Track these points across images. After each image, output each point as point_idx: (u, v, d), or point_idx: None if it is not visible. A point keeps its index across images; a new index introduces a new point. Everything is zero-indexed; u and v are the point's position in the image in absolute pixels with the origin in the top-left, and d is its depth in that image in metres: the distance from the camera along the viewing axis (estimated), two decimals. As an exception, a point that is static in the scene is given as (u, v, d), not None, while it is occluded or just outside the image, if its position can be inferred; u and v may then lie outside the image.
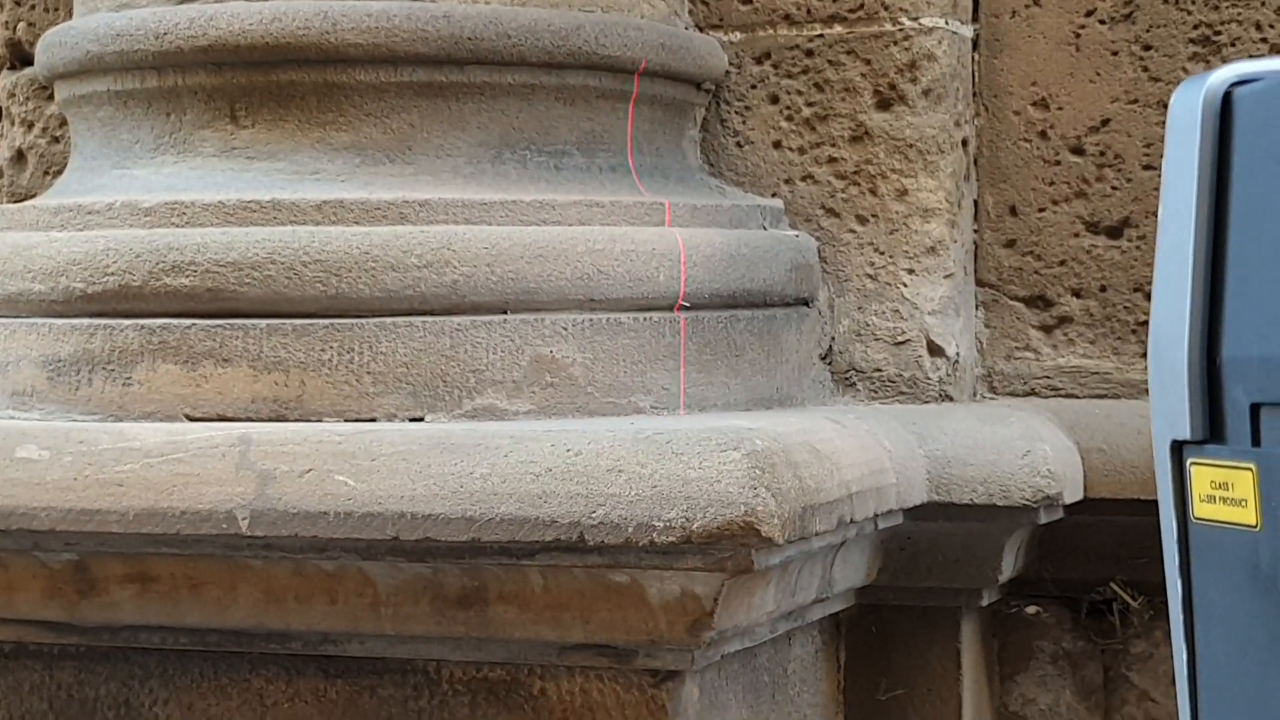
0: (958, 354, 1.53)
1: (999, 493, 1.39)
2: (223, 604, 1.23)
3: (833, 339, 1.53)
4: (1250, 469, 0.54)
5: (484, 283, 1.28)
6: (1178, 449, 0.51)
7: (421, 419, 1.27)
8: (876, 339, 1.53)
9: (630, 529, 1.13)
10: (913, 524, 1.41)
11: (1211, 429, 0.56)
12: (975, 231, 1.60)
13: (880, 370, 1.53)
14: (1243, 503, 0.54)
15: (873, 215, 1.53)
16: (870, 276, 1.53)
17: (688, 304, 1.36)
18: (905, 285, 1.52)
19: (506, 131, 1.38)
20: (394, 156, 1.35)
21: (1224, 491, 0.55)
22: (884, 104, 1.52)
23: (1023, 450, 1.41)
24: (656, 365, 1.34)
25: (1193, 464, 0.56)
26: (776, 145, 1.55)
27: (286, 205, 1.29)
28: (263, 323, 1.27)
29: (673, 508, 1.13)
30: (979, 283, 1.60)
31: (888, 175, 1.52)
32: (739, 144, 1.56)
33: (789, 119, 1.54)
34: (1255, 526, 0.54)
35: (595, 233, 1.33)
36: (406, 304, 1.27)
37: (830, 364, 1.54)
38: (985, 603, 1.47)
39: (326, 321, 1.27)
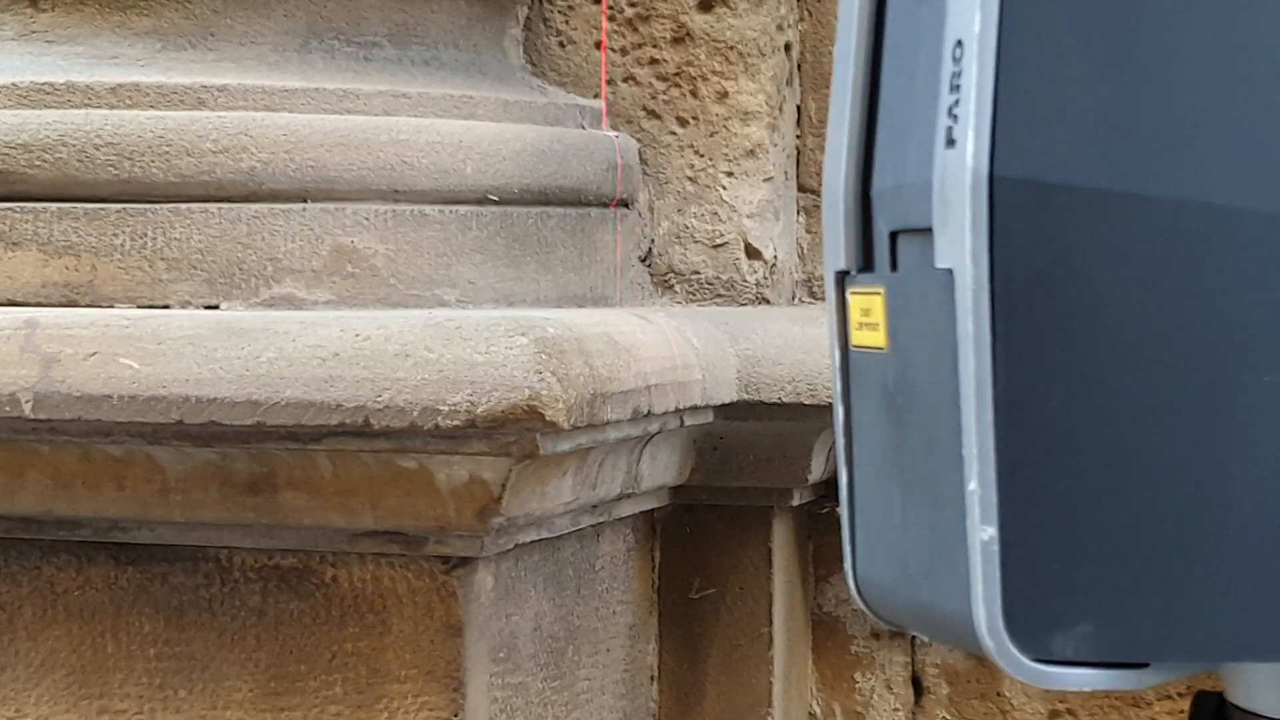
0: (775, 257, 1.53)
1: (806, 391, 1.40)
2: (10, 490, 1.21)
3: (652, 241, 1.53)
4: (880, 293, 0.54)
5: (282, 170, 1.27)
6: (840, 279, 0.52)
7: (217, 307, 1.26)
8: (695, 241, 1.53)
9: (415, 413, 1.12)
10: (724, 423, 1.41)
11: (865, 259, 0.57)
12: (798, 137, 1.60)
13: (698, 273, 1.52)
14: (877, 326, 0.55)
15: (693, 118, 1.53)
16: (690, 179, 1.53)
17: (496, 198, 1.35)
18: (724, 188, 1.52)
19: (314, 21, 1.36)
20: (196, 42, 1.33)
21: (867, 318, 0.56)
22: (705, 5, 1.52)
23: (832, 349, 1.42)
24: (462, 259, 1.33)
25: (851, 293, 0.56)
26: (599, 46, 1.54)
27: (81, 88, 1.27)
28: (53, 206, 1.25)
29: (458, 392, 1.12)
30: (801, 188, 1.60)
31: (708, 77, 1.52)
32: (561, 44, 1.55)
33: (611, 19, 1.54)
34: (884, 349, 0.55)
35: (400, 123, 1.32)
36: (202, 190, 1.26)
37: (650, 266, 1.53)
38: (796, 503, 1.48)
39: (119, 206, 1.26)
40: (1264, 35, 0.49)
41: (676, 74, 1.53)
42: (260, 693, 1.21)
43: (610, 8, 1.54)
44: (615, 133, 1.51)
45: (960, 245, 0.49)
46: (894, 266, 0.55)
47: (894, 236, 0.55)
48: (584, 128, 1.48)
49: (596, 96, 1.54)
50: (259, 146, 1.27)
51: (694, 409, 1.35)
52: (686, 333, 1.38)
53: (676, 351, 1.33)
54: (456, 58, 1.44)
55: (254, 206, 1.27)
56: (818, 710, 1.56)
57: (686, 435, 1.40)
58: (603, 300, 1.47)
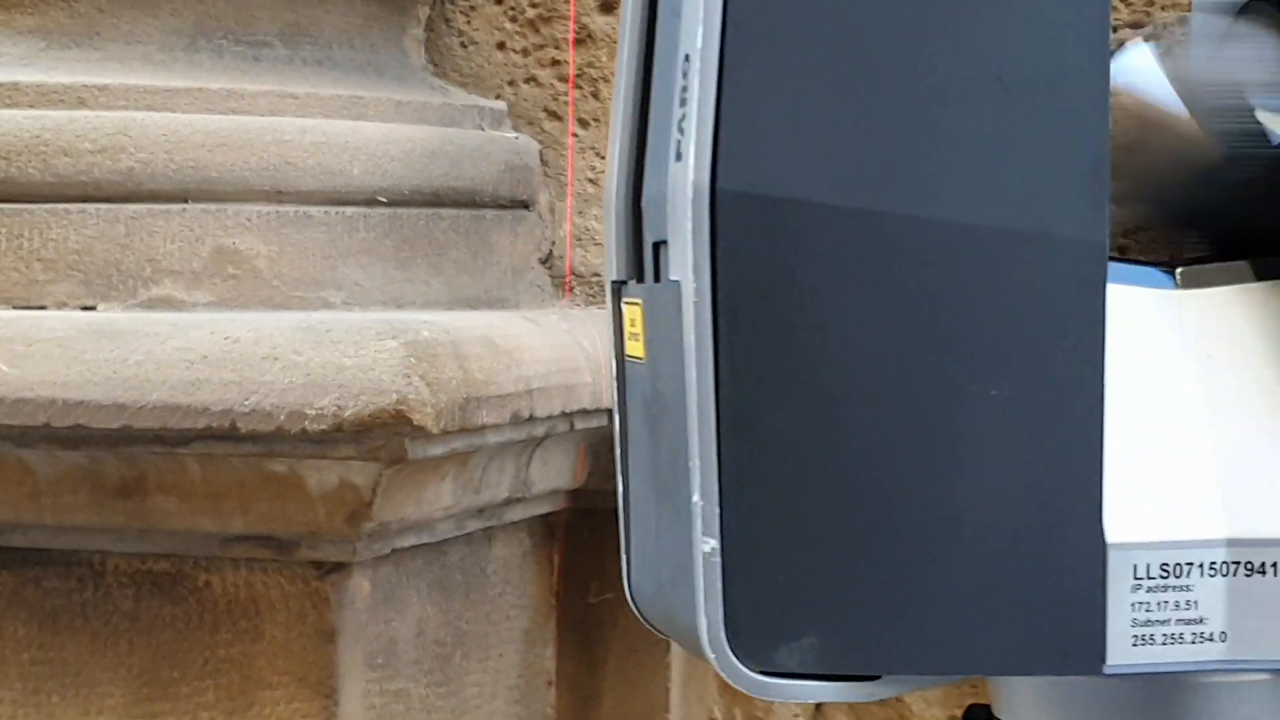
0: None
1: (699, 395, 1.38)
2: (-118, 492, 1.20)
3: (553, 243, 1.52)
4: (639, 304, 0.54)
5: (162, 170, 1.26)
6: (616, 289, 0.51)
7: (94, 308, 1.25)
8: (596, 243, 1.52)
9: (282, 417, 1.11)
10: (619, 427, 1.40)
11: (637, 270, 0.56)
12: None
13: (598, 275, 1.51)
14: (638, 337, 0.54)
15: (594, 119, 1.52)
16: (591, 180, 1.52)
17: (385, 199, 1.34)
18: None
19: (202, 20, 1.35)
20: (81, 41, 1.32)
21: (633, 328, 0.55)
22: (607, 6, 1.51)
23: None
24: (349, 260, 1.32)
25: (625, 303, 0.56)
26: (500, 46, 1.53)
27: (-42, 87, 1.26)
28: (-74, 205, 1.24)
29: (325, 395, 1.11)
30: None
31: (610, 79, 1.51)
32: (463, 44, 1.54)
33: (513, 19, 1.53)
34: (643, 360, 0.54)
35: (285, 123, 1.31)
36: (80, 190, 1.25)
37: (550, 268, 1.52)
38: (693, 507, 1.47)
39: (-6, 206, 1.25)
40: (982, 51, 0.48)
41: (578, 75, 1.52)
42: (133, 698, 1.20)
43: (512, 8, 1.53)
44: (515, 134, 1.50)
45: (684, 258, 0.49)
46: (656, 277, 0.55)
47: (656, 247, 0.55)
48: (483, 129, 1.47)
49: (498, 97, 1.53)
50: (138, 146, 1.25)
51: (584, 412, 1.34)
52: (578, 335, 1.37)
53: (565, 354, 1.32)
54: (351, 58, 1.43)
55: (132, 207, 1.26)
56: (719, 715, 1.55)
57: (579, 438, 1.39)
58: (499, 303, 1.46)
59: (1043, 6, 0.49)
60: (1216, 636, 0.50)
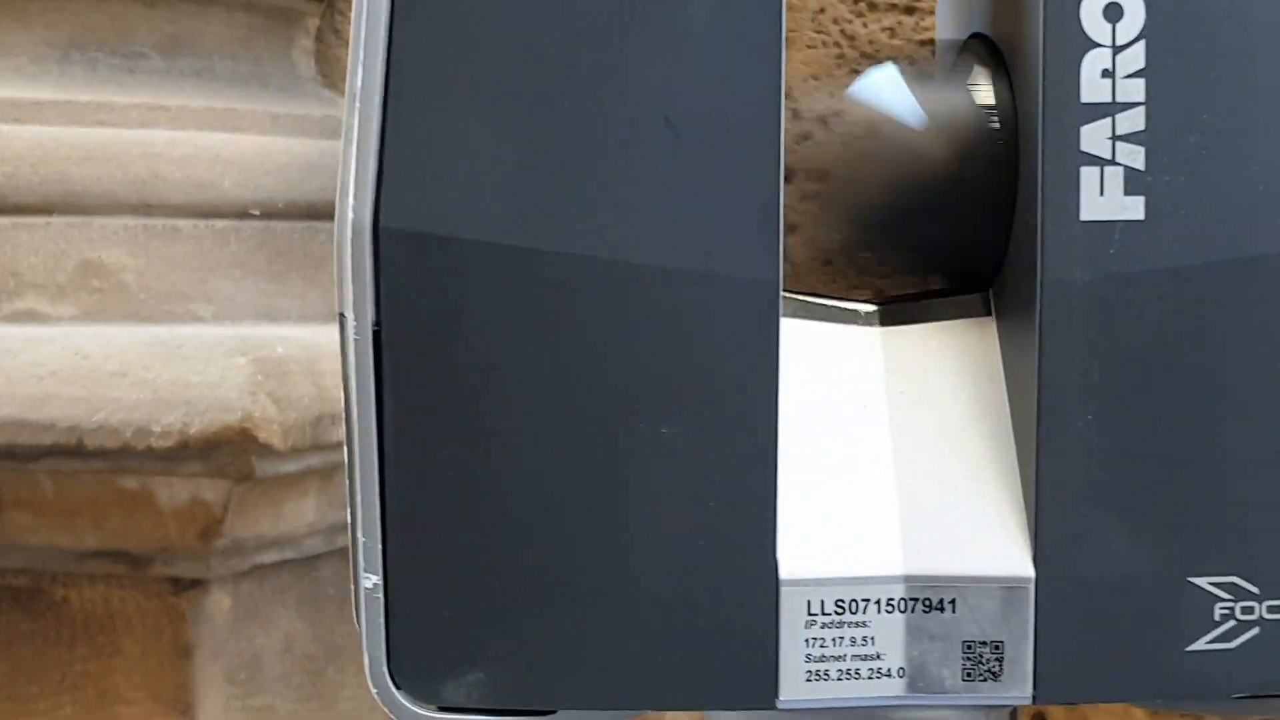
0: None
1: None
2: None
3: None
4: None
5: (26, 184, 1.26)
6: (341, 322, 0.51)
7: (-45, 322, 1.25)
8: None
9: (129, 433, 1.11)
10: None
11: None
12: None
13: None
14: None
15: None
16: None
17: (258, 212, 1.34)
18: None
19: (77, 31, 1.35)
20: (-50, 54, 1.32)
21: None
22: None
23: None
24: (219, 274, 1.32)
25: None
26: (389, 58, 1.52)
27: None
28: None
29: (172, 412, 1.11)
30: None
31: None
32: (353, 56, 1.53)
33: (401, 31, 1.52)
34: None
35: (155, 136, 1.31)
36: (-58, 203, 1.25)
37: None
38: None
39: None
40: (652, 94, 0.48)
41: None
42: (-10, 713, 1.20)
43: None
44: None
45: (345, 294, 0.49)
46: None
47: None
48: (369, 141, 1.47)
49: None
50: (2, 159, 1.25)
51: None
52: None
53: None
54: (234, 69, 1.43)
55: (-4, 220, 1.26)
56: None
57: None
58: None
59: (714, 51, 0.49)
60: (895, 672, 0.50)
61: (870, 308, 0.55)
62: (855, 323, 0.55)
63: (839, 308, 0.55)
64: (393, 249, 0.48)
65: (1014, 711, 0.56)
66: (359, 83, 0.49)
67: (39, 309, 1.26)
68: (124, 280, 1.28)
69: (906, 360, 0.54)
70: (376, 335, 0.49)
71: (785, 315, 0.54)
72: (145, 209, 1.29)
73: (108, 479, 1.14)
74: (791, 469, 0.51)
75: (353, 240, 0.48)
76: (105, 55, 1.36)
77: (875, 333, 0.54)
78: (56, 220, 1.27)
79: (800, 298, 0.56)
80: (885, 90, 0.58)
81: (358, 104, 0.48)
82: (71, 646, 1.20)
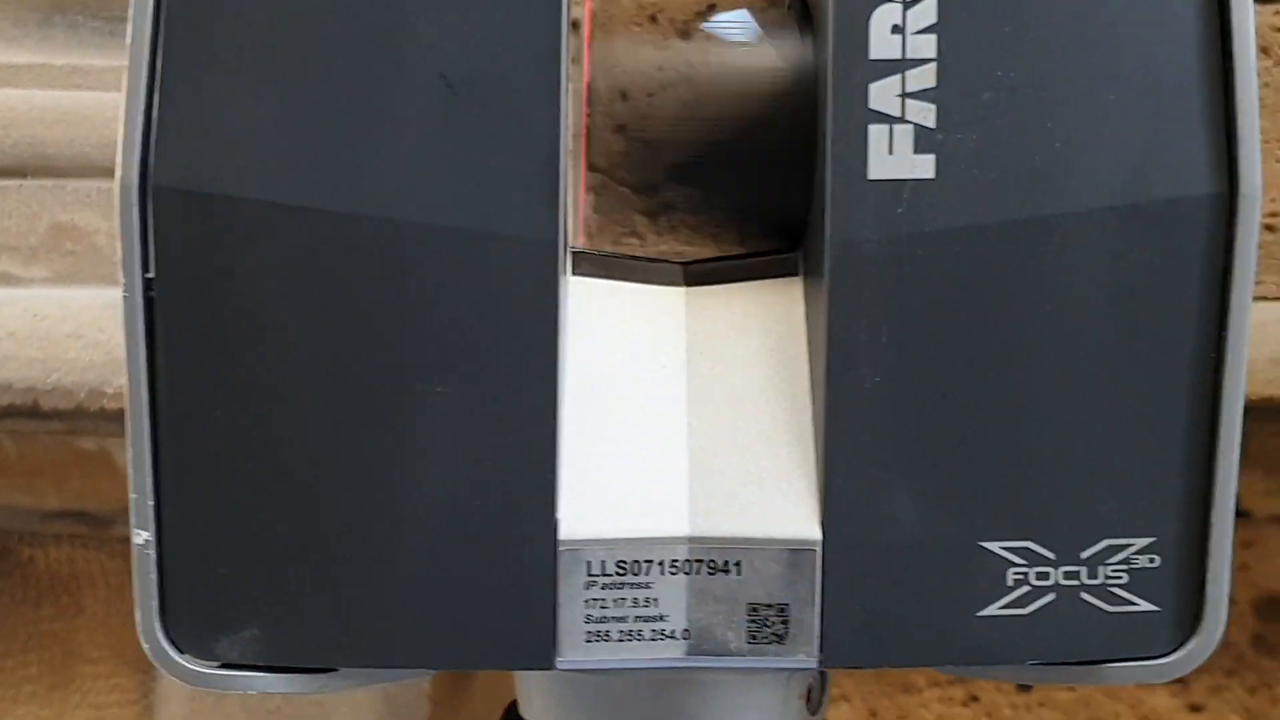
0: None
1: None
2: None
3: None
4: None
5: (0, 146, 1.27)
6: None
7: (-72, 283, 1.26)
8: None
9: (82, 395, 1.12)
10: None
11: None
12: (587, 115, 1.58)
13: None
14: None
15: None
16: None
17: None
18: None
19: (58, -4, 1.36)
20: (-71, 18, 1.33)
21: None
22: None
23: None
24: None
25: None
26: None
27: None
28: None
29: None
30: (591, 167, 1.58)
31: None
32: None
33: None
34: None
35: (130, 100, 1.31)
36: (-86, 166, 1.26)
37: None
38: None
39: None
40: (427, 52, 0.48)
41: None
42: (-43, 671, 1.21)
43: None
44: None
45: (119, 252, 0.49)
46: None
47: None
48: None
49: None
50: (-25, 123, 1.26)
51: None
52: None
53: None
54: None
55: (-32, 183, 1.26)
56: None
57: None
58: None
59: (492, 8, 0.48)
60: (678, 634, 0.50)
61: (678, 267, 0.55)
62: (660, 282, 0.54)
63: (644, 267, 0.55)
64: (164, 207, 0.48)
65: (822, 675, 0.56)
66: (129, 39, 0.48)
67: (11, 271, 1.27)
68: (96, 243, 1.28)
69: (709, 321, 0.53)
70: (149, 293, 0.49)
71: (584, 274, 0.54)
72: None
73: (66, 440, 1.15)
74: (578, 429, 0.50)
75: (121, 198, 0.48)
76: (86, 19, 1.37)
77: (679, 293, 0.54)
78: (29, 183, 1.28)
79: (604, 255, 0.55)
80: (731, 22, 0.57)
81: (129, 61, 0.48)
82: (38, 606, 1.21)
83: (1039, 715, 1.44)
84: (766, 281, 0.54)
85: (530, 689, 0.55)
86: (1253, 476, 1.34)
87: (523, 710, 0.56)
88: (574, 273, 0.53)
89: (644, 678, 0.53)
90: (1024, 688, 1.45)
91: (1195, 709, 1.40)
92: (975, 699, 1.47)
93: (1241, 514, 1.36)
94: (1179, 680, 1.43)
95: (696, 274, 0.54)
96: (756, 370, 0.52)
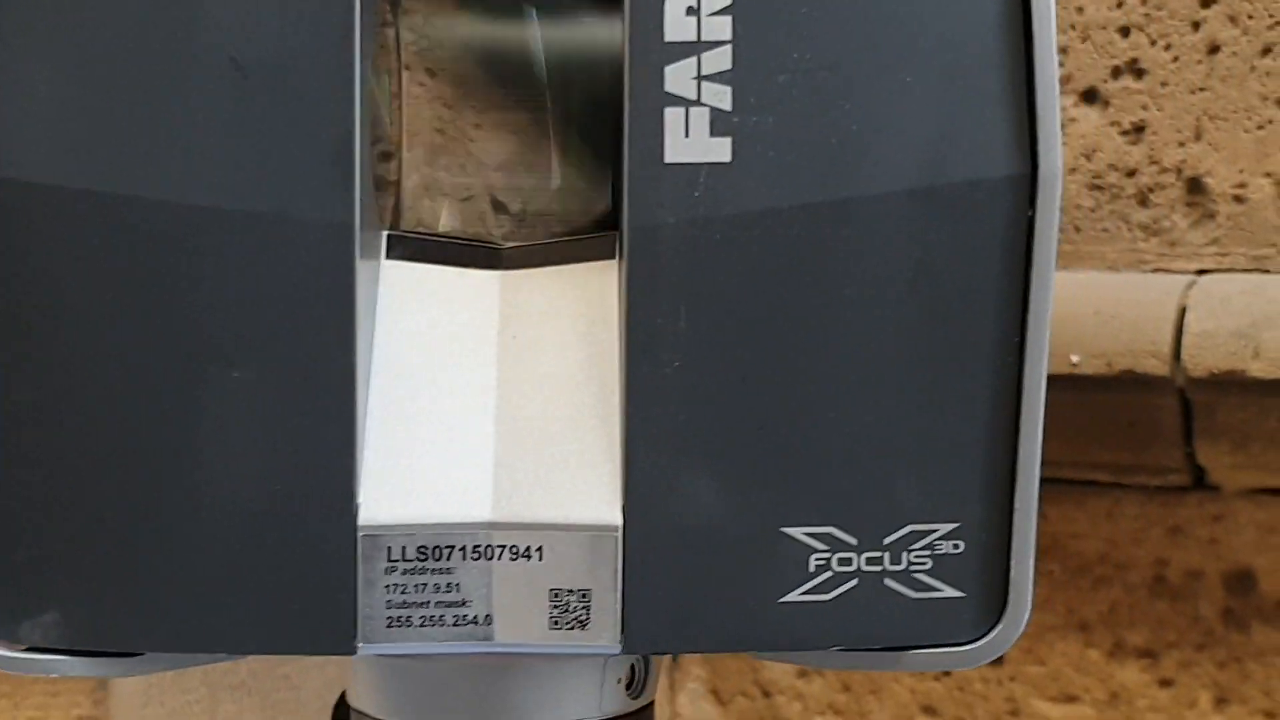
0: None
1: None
2: None
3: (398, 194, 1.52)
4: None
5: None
6: None
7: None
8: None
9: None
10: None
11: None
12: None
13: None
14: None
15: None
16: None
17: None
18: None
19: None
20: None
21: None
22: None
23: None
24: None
25: None
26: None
27: None
28: None
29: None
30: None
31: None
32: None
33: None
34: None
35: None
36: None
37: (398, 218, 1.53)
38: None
39: None
40: (217, 34, 0.48)
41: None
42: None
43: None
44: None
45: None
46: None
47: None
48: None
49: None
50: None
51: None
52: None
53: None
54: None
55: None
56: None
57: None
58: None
59: (281, -8, 0.48)
60: (480, 620, 0.50)
61: (497, 250, 0.55)
62: (477, 265, 0.54)
63: (462, 250, 0.55)
64: (-47, 192, 0.48)
65: (646, 661, 0.56)
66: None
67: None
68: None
69: (523, 304, 0.53)
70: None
71: (398, 258, 0.54)
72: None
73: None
74: (383, 415, 0.50)
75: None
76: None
77: (496, 276, 0.54)
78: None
79: (420, 238, 0.55)
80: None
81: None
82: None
83: (1009, 689, 1.44)
84: (585, 264, 0.53)
85: (357, 676, 0.55)
86: (1219, 450, 1.33)
87: (350, 698, 0.56)
88: (388, 256, 0.53)
89: (460, 663, 0.53)
90: (995, 660, 1.45)
91: (1165, 683, 1.40)
92: (947, 673, 1.47)
93: (1210, 488, 1.35)
94: (1149, 654, 1.43)
95: (514, 257, 0.54)
96: (568, 355, 0.52)
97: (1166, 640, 1.39)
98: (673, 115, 0.49)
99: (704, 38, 0.49)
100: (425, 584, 0.50)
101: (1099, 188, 1.36)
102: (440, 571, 0.50)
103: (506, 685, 0.54)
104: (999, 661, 1.43)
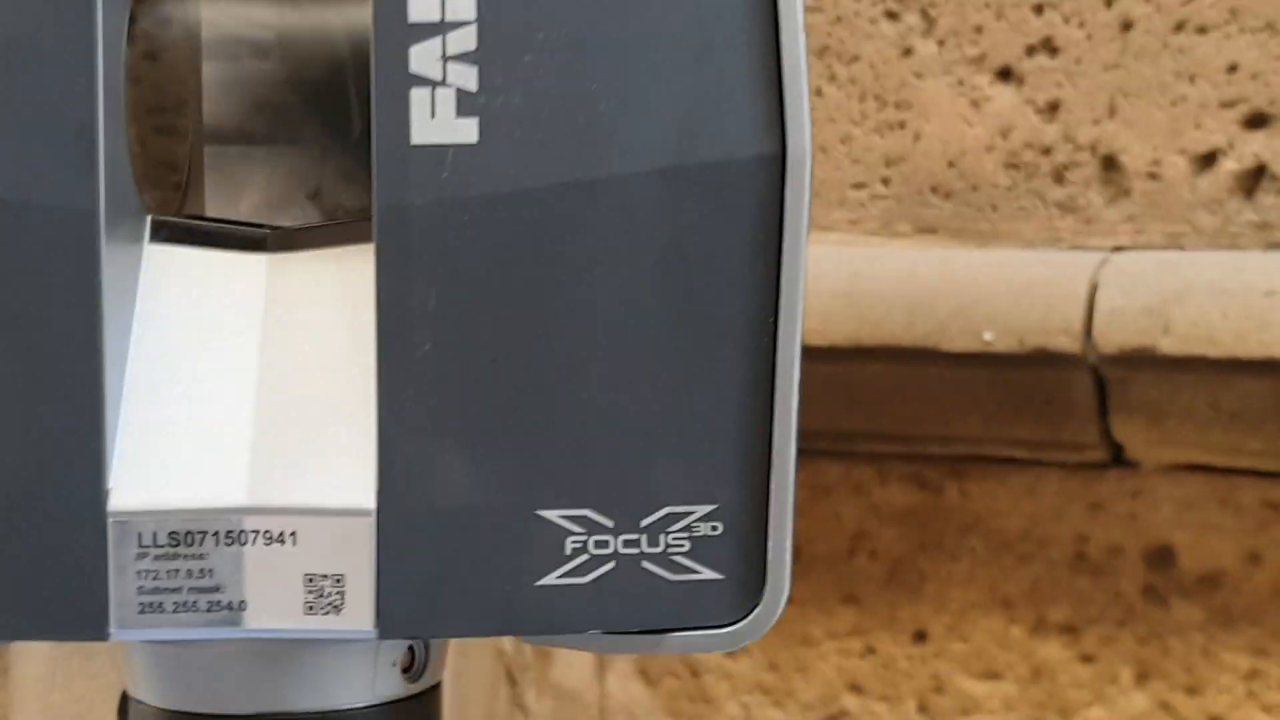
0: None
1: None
2: None
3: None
4: None
5: None
6: None
7: None
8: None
9: None
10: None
11: None
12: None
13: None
14: None
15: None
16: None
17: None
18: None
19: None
20: None
21: None
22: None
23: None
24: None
25: None
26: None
27: None
28: None
29: None
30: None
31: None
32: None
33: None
34: None
35: None
36: None
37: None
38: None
39: None
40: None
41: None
42: None
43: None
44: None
45: None
46: None
47: None
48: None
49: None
50: None
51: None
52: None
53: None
54: None
55: None
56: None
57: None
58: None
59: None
60: (235, 605, 0.50)
61: (265, 233, 0.55)
62: (244, 249, 0.54)
63: (228, 233, 0.54)
64: None
65: (426, 644, 0.56)
66: None
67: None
68: None
69: (288, 287, 0.53)
70: None
71: (162, 241, 0.53)
72: None
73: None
74: (138, 400, 0.50)
75: None
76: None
77: (262, 259, 0.53)
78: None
79: (186, 221, 0.55)
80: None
81: None
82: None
83: (934, 666, 1.44)
84: (352, 247, 0.53)
85: (132, 664, 0.55)
86: (1135, 426, 1.33)
87: (129, 688, 0.56)
88: (151, 240, 0.53)
89: (229, 647, 0.53)
90: (919, 638, 1.45)
91: (1087, 659, 1.40)
92: (872, 650, 1.47)
93: (1129, 464, 1.35)
94: (1070, 630, 1.43)
95: (281, 239, 0.54)
96: (330, 338, 0.51)
97: (1088, 616, 1.39)
98: (419, 96, 0.48)
99: (448, 18, 0.48)
100: (178, 569, 0.50)
101: (1015, 166, 1.36)
102: (193, 557, 0.50)
103: (274, 670, 0.53)
104: (922, 638, 1.43)
